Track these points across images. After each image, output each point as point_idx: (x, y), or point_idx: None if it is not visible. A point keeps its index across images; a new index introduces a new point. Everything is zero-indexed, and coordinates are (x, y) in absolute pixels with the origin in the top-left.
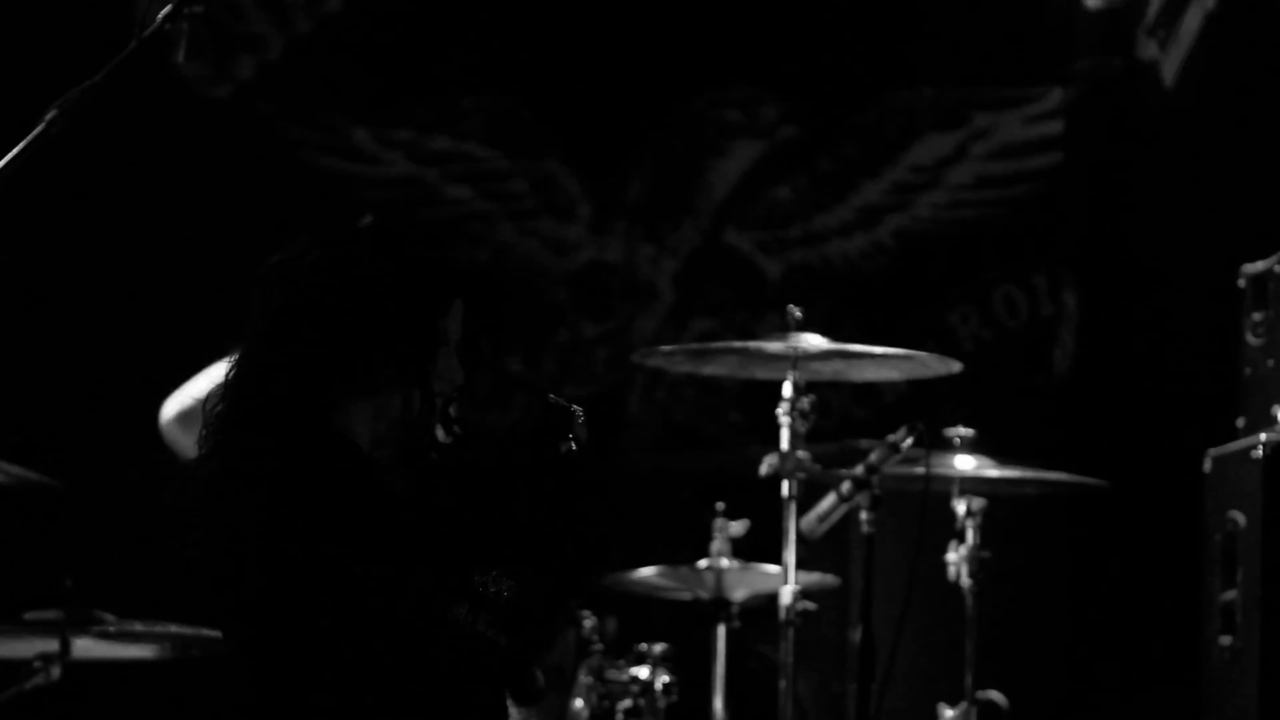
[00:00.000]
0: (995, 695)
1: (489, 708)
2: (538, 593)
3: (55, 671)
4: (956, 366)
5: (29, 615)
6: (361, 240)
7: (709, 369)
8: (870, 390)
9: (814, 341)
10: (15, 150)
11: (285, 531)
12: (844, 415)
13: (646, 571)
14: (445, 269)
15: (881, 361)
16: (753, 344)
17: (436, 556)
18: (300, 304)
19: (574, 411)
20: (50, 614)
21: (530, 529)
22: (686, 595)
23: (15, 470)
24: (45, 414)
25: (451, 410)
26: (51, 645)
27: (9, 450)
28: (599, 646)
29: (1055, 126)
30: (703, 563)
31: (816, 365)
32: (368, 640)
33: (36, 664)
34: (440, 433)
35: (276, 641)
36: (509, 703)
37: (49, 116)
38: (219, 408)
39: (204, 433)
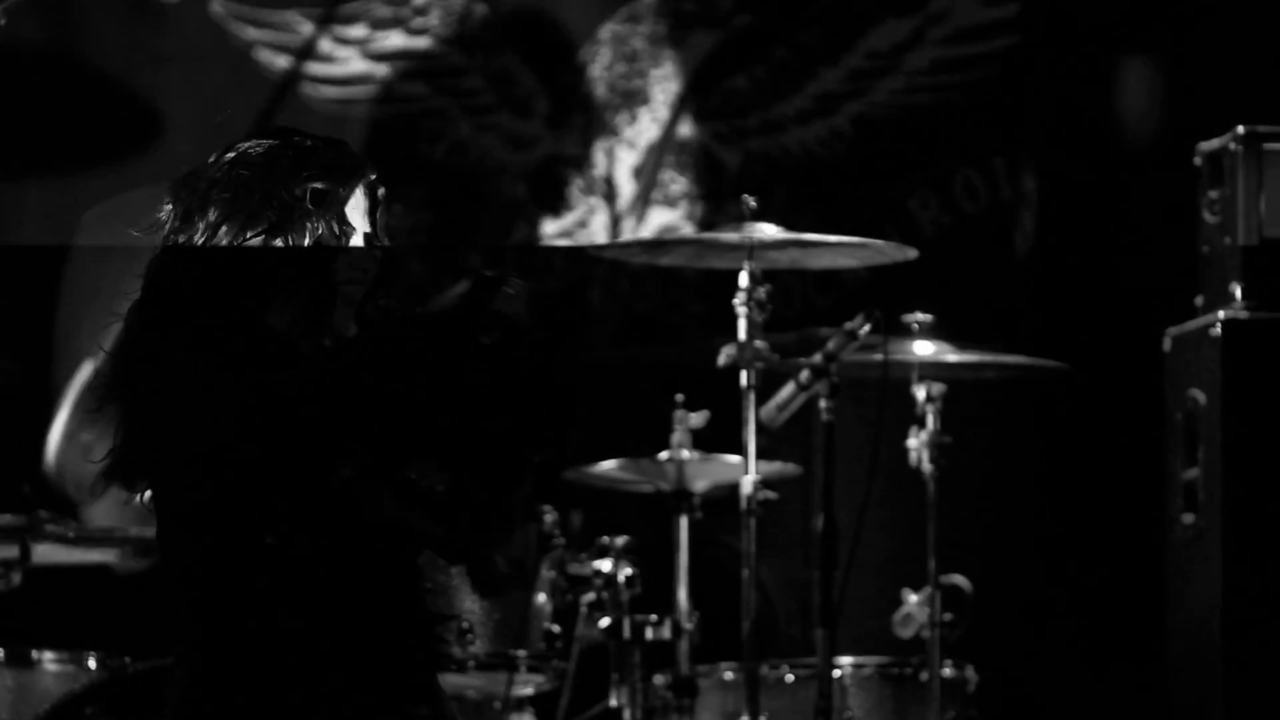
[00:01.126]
0: (959, 579)
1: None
2: (478, 484)
3: (15, 578)
4: (912, 253)
5: None
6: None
7: (665, 260)
8: (832, 278)
9: (769, 231)
10: None
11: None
12: (806, 304)
13: (607, 464)
14: (314, 147)
15: (838, 250)
16: (707, 235)
17: (361, 450)
18: (192, 205)
19: (506, 284)
20: (10, 519)
21: (463, 417)
22: (648, 487)
23: None
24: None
25: (369, 298)
26: (11, 552)
27: None
28: (561, 541)
29: (1011, 9)
30: (663, 454)
31: (774, 255)
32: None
33: None
34: (350, 323)
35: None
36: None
37: None
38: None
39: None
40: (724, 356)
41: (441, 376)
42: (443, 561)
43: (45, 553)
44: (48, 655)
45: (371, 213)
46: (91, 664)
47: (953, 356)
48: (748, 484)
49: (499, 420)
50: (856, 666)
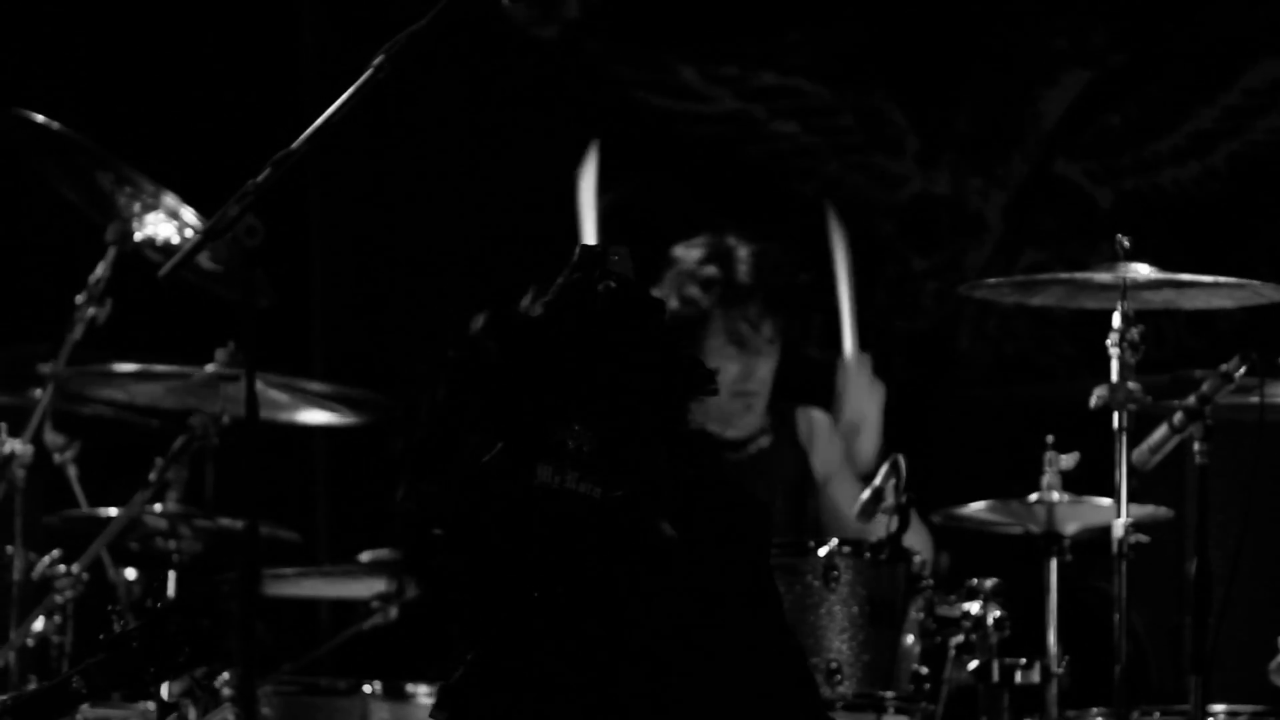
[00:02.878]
0: None
1: (594, 568)
2: (627, 442)
3: (392, 611)
4: None
5: (365, 556)
6: None
7: (1036, 300)
8: (1205, 319)
9: (1143, 270)
10: (345, 96)
11: None
12: (1178, 345)
13: (977, 506)
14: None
15: (1213, 290)
16: (1080, 274)
17: (517, 417)
18: None
19: (609, 252)
20: (386, 554)
21: (606, 378)
22: (1017, 529)
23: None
24: (382, 347)
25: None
26: (388, 585)
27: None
28: (930, 582)
29: None
30: (1033, 496)
31: (1147, 295)
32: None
33: (374, 604)
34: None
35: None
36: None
37: (377, 61)
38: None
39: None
40: (1096, 398)
41: (588, 340)
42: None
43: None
44: (422, 689)
45: None
46: None
47: None
48: (1119, 527)
49: (638, 377)
50: (1230, 714)
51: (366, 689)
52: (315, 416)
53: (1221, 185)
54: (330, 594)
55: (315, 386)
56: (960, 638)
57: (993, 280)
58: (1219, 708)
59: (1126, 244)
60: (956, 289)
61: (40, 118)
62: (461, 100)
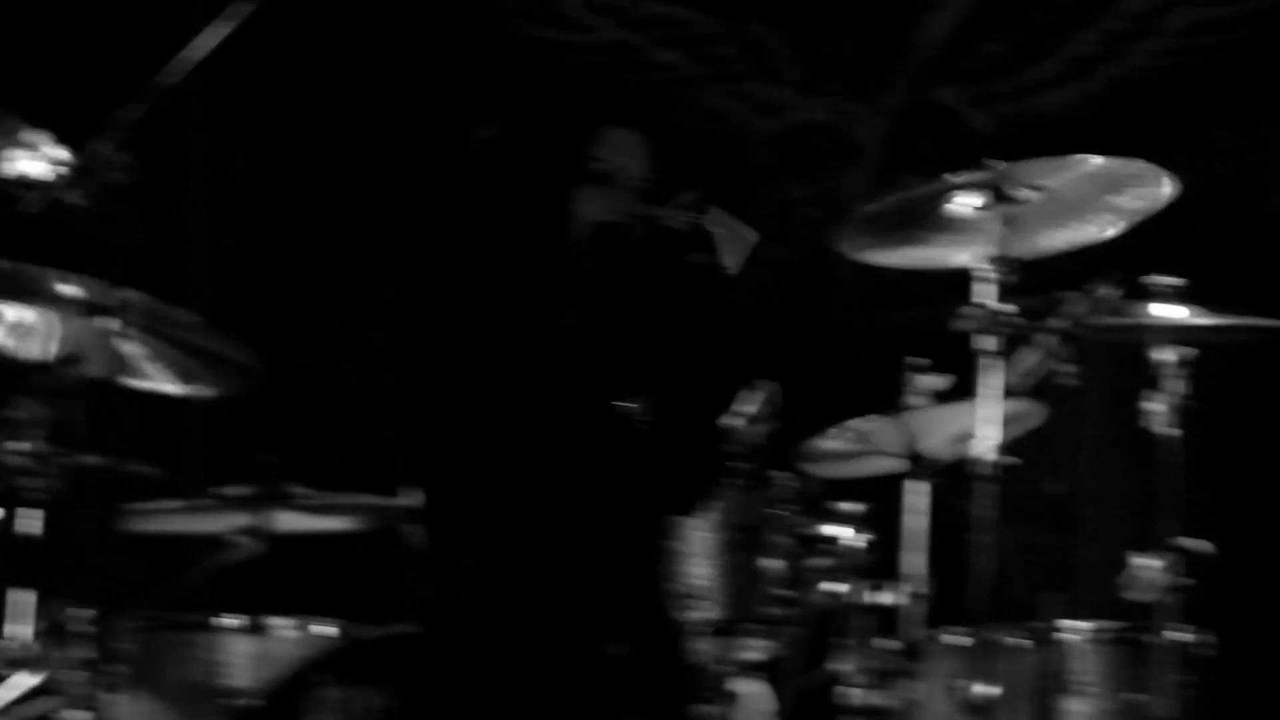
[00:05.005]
0: (1197, 543)
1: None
2: (673, 412)
3: (255, 545)
4: (1168, 189)
5: (228, 490)
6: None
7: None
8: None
9: (1020, 195)
10: (218, 31)
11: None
12: (1051, 267)
13: (841, 428)
14: (583, 94)
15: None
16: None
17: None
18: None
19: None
20: (249, 489)
21: (666, 347)
22: (886, 450)
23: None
24: (256, 292)
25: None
26: (251, 520)
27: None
28: (793, 506)
29: None
30: (901, 417)
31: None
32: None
33: (235, 538)
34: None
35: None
36: None
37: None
38: None
39: None
40: (966, 321)
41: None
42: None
43: (284, 520)
44: (284, 622)
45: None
46: (327, 631)
47: (1199, 320)
48: (983, 447)
49: (702, 350)
50: (1090, 631)
51: (227, 623)
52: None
53: (1102, 110)
54: (193, 529)
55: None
56: (823, 561)
57: (870, 207)
58: (1078, 625)
59: (1001, 168)
60: (835, 217)
61: None
62: (343, 36)
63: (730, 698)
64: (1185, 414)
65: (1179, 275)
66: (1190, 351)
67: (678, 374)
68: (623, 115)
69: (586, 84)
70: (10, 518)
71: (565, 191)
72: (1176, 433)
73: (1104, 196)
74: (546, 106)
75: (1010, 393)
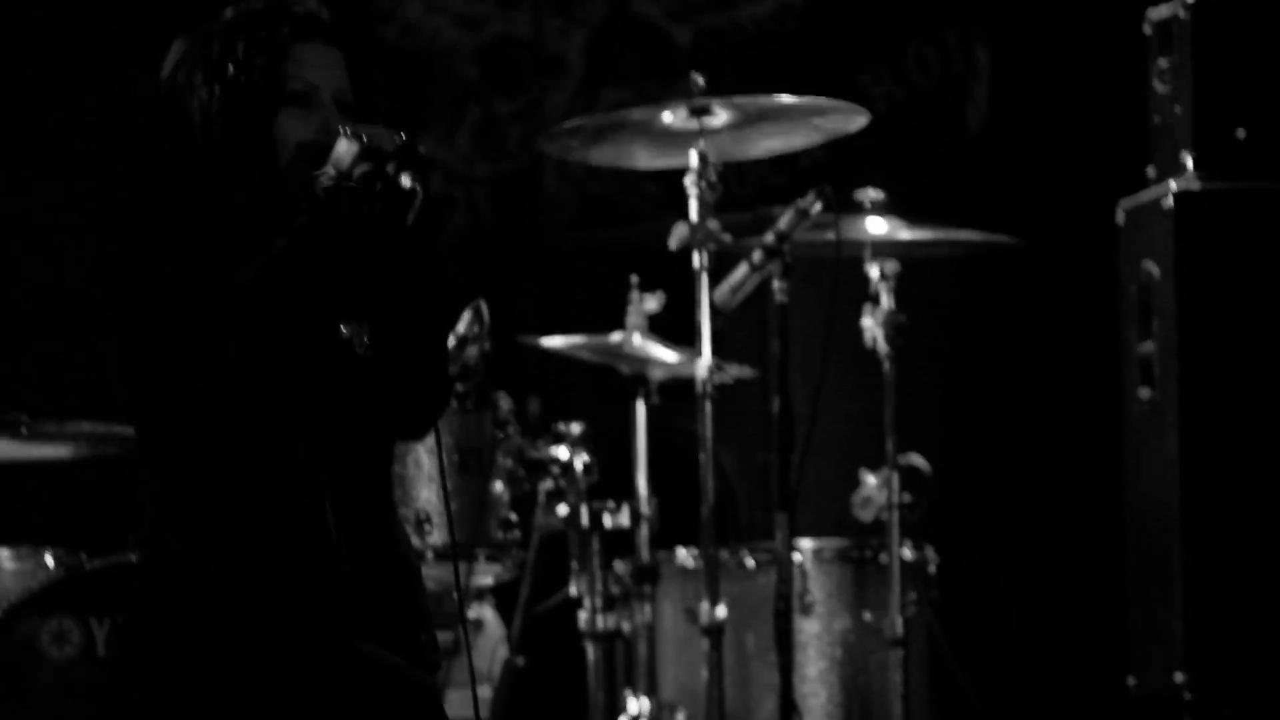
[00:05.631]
0: (917, 460)
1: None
2: (395, 337)
3: None
4: (864, 117)
5: None
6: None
7: (620, 157)
8: (785, 157)
9: (720, 113)
10: None
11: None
12: (760, 183)
13: (560, 342)
14: (270, 11)
15: (787, 126)
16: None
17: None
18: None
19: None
20: None
21: (375, 270)
22: (603, 364)
23: None
24: None
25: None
26: None
27: None
28: (517, 428)
29: None
30: (617, 336)
31: (726, 138)
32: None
33: None
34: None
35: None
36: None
37: None
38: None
39: None
40: (676, 238)
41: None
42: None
43: (3, 449)
44: (4, 553)
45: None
46: (49, 561)
47: (906, 233)
48: (702, 368)
49: (415, 267)
50: (816, 550)
51: None
52: None
53: (797, 21)
54: None
55: None
56: (550, 483)
57: (574, 123)
58: (805, 543)
59: (701, 82)
60: (538, 135)
61: None
62: None
63: (469, 623)
64: (896, 329)
65: (882, 189)
66: (895, 265)
67: (393, 297)
68: (312, 30)
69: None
70: None
71: (263, 115)
72: (889, 348)
73: (806, 117)
74: (233, 28)
75: (719, 309)
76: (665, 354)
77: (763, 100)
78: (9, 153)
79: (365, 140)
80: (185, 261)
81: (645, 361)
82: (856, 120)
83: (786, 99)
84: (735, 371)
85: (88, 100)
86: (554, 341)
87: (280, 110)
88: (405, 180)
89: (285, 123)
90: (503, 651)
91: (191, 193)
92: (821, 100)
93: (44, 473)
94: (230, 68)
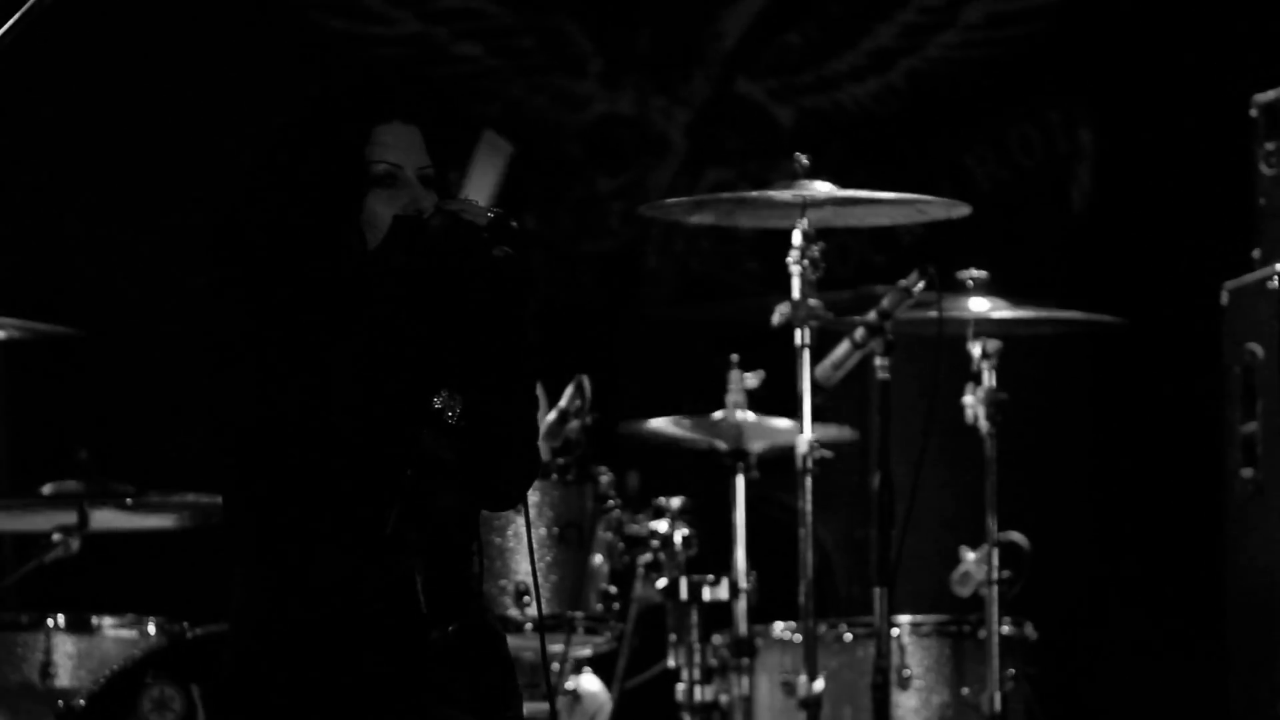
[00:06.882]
0: (1017, 536)
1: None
2: (486, 408)
3: (74, 544)
4: (965, 209)
5: (47, 488)
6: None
7: (721, 219)
8: (887, 236)
9: (823, 188)
10: (12, 20)
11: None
12: (862, 261)
13: (662, 422)
14: (348, 98)
15: (892, 207)
16: (760, 193)
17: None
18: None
19: (486, 221)
20: (69, 486)
21: (467, 342)
22: (704, 444)
23: (33, 325)
24: (66, 270)
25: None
26: (70, 518)
27: (30, 306)
28: (617, 502)
29: None
30: (719, 414)
31: (829, 212)
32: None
33: (55, 537)
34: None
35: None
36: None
37: None
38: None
39: None
40: (778, 315)
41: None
42: (477, 501)
43: (103, 518)
44: (108, 621)
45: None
46: (151, 629)
47: (1009, 312)
48: (803, 443)
49: (506, 339)
50: (915, 624)
51: (49, 622)
52: None
53: (901, 102)
54: (10, 527)
55: None
56: (648, 556)
57: (676, 200)
58: (904, 618)
59: (805, 161)
60: (641, 209)
61: None
62: (139, 26)
63: (565, 694)
64: (997, 406)
65: (985, 268)
66: (997, 344)
67: (483, 368)
68: (390, 111)
69: (353, 85)
70: None
71: (350, 200)
72: (990, 425)
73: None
74: (314, 118)
75: (820, 386)
76: (768, 425)
77: (864, 194)
78: (117, 224)
79: (458, 214)
80: (275, 339)
81: (744, 434)
82: (959, 209)
83: (888, 195)
84: (836, 433)
85: (186, 180)
86: (657, 424)
87: (367, 193)
88: (497, 253)
89: (373, 205)
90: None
91: (280, 273)
92: (923, 198)
93: (149, 542)
94: (314, 158)
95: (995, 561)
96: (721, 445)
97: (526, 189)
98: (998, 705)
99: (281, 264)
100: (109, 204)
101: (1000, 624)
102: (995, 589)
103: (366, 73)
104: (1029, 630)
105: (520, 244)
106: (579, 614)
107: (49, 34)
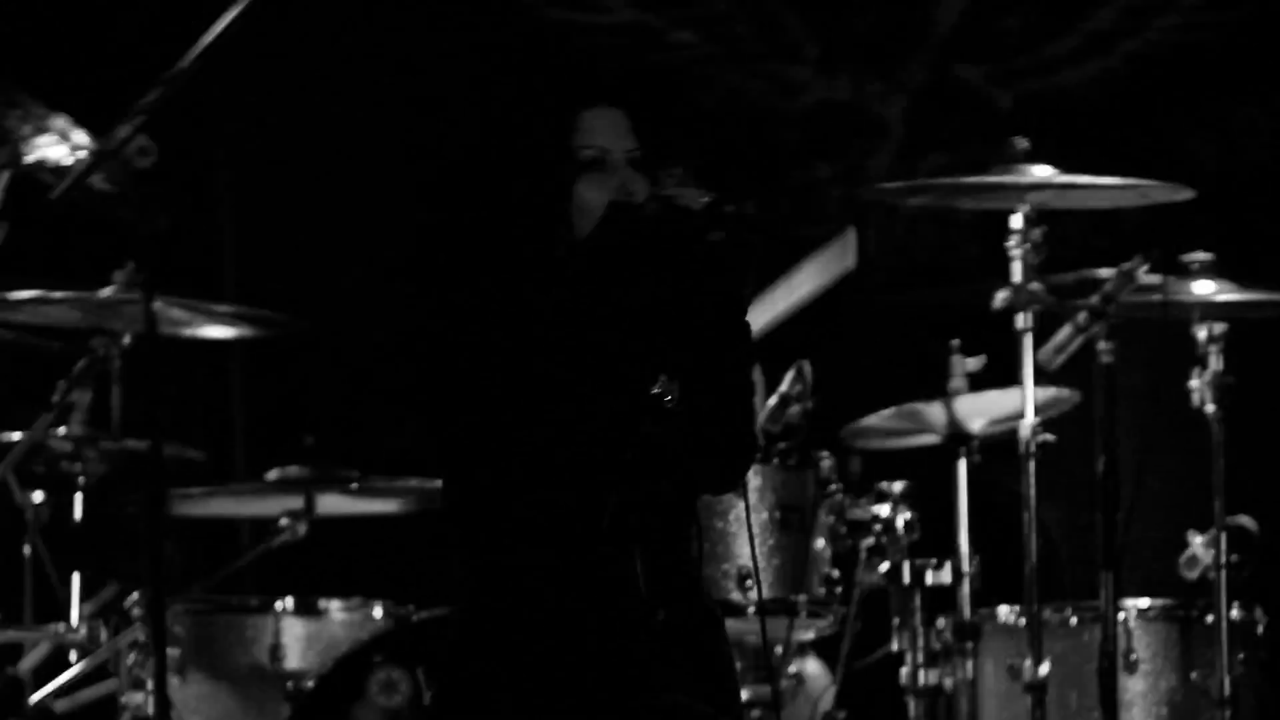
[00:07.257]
0: (1245, 520)
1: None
2: (703, 393)
3: (301, 528)
4: (1188, 193)
5: (273, 474)
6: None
7: (938, 204)
8: (1109, 219)
9: (1043, 172)
10: (232, 13)
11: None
12: (1083, 245)
13: (884, 412)
14: (550, 86)
15: (1114, 190)
16: (980, 178)
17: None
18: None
19: (700, 205)
20: (295, 472)
21: (683, 328)
22: (928, 438)
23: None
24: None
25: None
26: (297, 503)
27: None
28: (839, 486)
29: None
30: (941, 399)
31: (1049, 196)
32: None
33: (283, 522)
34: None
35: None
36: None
37: None
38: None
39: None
40: (999, 299)
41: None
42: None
43: (329, 503)
44: (335, 604)
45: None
46: (377, 613)
47: (1234, 295)
48: (1026, 426)
49: (722, 324)
50: (1142, 609)
51: (278, 606)
52: (220, 332)
53: (1121, 86)
54: (240, 512)
55: (221, 307)
56: (871, 540)
57: (896, 184)
58: (1130, 602)
59: (1025, 145)
60: (861, 194)
61: None
62: (366, 16)
63: (788, 678)
64: (1225, 390)
65: (1211, 252)
66: (1222, 327)
67: (706, 354)
68: (593, 96)
69: (554, 71)
70: (56, 503)
71: (560, 188)
72: (1217, 409)
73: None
74: (520, 106)
75: (1042, 370)
76: (987, 411)
77: (1087, 180)
78: (342, 221)
79: (672, 200)
80: (492, 328)
81: (967, 419)
82: (1182, 193)
83: (1112, 180)
84: (1056, 395)
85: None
86: (875, 419)
87: (578, 179)
88: (712, 237)
89: (583, 191)
90: (825, 704)
91: (493, 263)
92: (1144, 182)
93: (375, 527)
94: (522, 148)
95: (1223, 546)
96: (942, 431)
97: (745, 174)
98: (1228, 690)
99: (494, 254)
100: (334, 201)
101: (1229, 609)
102: (1223, 573)
103: (567, 59)
104: (1259, 615)
105: (737, 229)
106: (802, 598)
107: (272, 33)
